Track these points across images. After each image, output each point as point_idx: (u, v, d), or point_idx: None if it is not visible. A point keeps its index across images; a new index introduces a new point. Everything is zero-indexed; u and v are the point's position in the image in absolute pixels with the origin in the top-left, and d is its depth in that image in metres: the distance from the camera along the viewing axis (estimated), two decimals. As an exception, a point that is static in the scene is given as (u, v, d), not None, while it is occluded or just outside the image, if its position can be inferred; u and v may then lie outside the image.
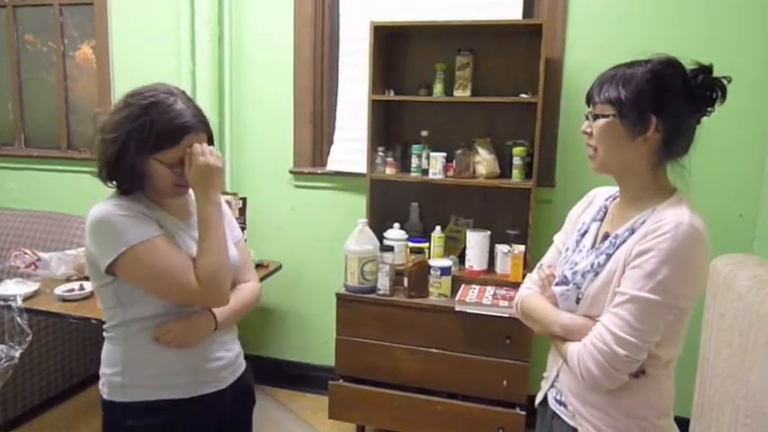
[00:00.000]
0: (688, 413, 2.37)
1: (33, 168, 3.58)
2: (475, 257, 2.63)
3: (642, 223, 1.21)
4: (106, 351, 1.43)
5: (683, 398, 2.43)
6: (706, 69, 1.20)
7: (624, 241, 1.22)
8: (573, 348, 1.24)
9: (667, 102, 1.18)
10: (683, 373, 2.43)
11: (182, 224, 1.44)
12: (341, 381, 2.63)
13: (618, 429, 1.24)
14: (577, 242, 1.37)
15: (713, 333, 2.21)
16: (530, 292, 1.44)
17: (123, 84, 3.28)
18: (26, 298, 2.34)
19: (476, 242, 2.62)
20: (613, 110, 1.20)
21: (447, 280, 2.54)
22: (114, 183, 1.38)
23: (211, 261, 1.33)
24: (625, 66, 1.23)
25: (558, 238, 1.49)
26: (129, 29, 3.26)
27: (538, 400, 1.47)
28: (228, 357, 1.50)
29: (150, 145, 1.29)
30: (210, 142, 1.40)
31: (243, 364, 1.59)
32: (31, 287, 2.41)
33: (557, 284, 1.35)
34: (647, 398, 1.24)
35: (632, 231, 1.22)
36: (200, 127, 1.35)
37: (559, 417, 1.34)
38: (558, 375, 1.36)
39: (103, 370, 1.42)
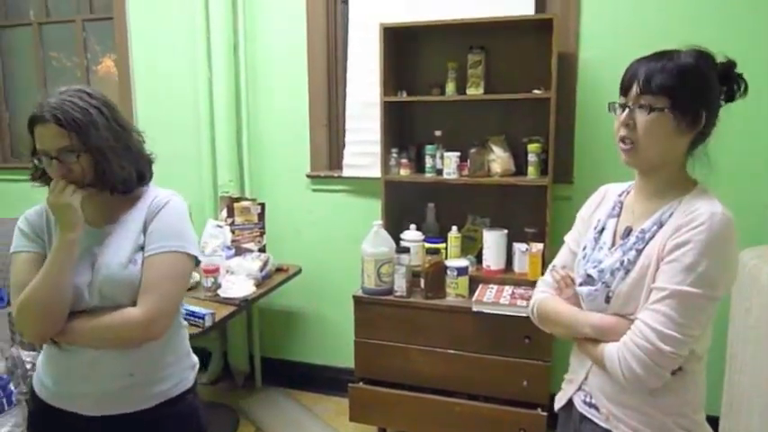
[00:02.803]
0: (717, 412, 2.30)
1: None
2: (492, 257, 2.60)
3: (670, 216, 1.19)
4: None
5: (712, 396, 2.35)
6: (733, 64, 1.20)
7: (653, 236, 1.19)
8: (611, 349, 1.19)
9: (710, 96, 1.19)
10: (711, 371, 2.35)
11: (91, 232, 1.37)
12: (360, 383, 2.64)
13: (655, 428, 1.21)
14: (596, 240, 1.33)
15: (740, 329, 2.15)
16: (546, 296, 1.40)
17: (144, 93, 3.38)
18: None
19: (493, 241, 2.60)
20: (668, 102, 1.15)
21: (464, 280, 2.52)
22: None
23: (25, 295, 1.29)
24: (664, 57, 1.18)
25: (569, 238, 1.46)
26: (148, 41, 3.34)
27: (560, 403, 1.43)
28: (96, 387, 1.35)
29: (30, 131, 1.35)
30: (83, 140, 1.29)
31: (136, 402, 1.38)
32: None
33: (581, 285, 1.31)
34: (684, 394, 1.22)
35: (660, 225, 1.20)
36: (49, 119, 1.27)
37: (590, 420, 1.30)
38: (586, 378, 1.32)
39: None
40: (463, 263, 2.56)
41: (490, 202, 2.80)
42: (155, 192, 1.45)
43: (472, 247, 2.79)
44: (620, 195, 1.36)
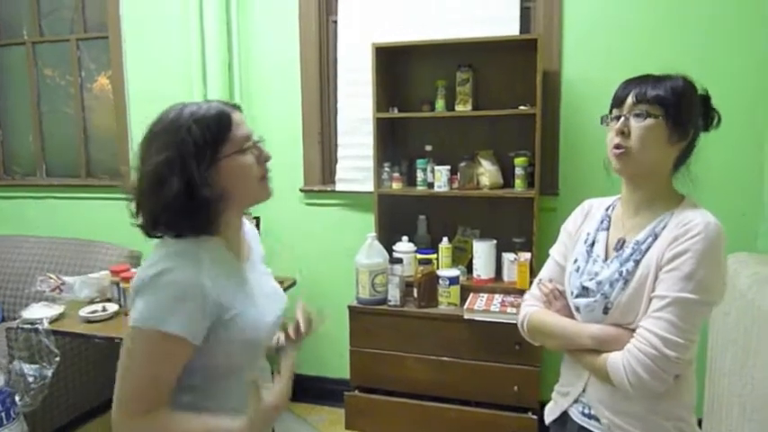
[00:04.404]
0: (700, 413, 2.39)
1: (55, 197, 3.71)
2: (482, 266, 2.69)
3: (664, 227, 1.24)
4: None
5: (696, 398, 2.47)
6: (710, 96, 1.31)
7: (650, 247, 1.24)
8: (615, 358, 1.21)
9: (696, 117, 1.28)
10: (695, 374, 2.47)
11: (248, 267, 1.29)
12: (356, 391, 2.70)
13: None
14: (588, 253, 1.36)
15: (719, 332, 2.24)
16: (536, 309, 1.42)
17: (139, 111, 3.42)
18: (52, 321, 2.45)
19: (482, 251, 2.69)
20: (662, 111, 1.22)
21: (456, 289, 2.60)
22: (178, 228, 1.15)
23: None
24: (656, 78, 1.27)
25: (555, 251, 1.48)
26: (142, 59, 3.39)
27: (553, 416, 1.44)
28: None
29: (210, 141, 1.13)
30: None
31: None
32: (56, 310, 2.51)
33: (577, 296, 1.33)
34: (681, 398, 1.27)
35: (655, 236, 1.24)
36: (231, 106, 1.22)
37: (590, 431, 1.32)
38: (584, 390, 1.34)
39: None
40: (454, 272, 2.64)
41: (479, 213, 2.90)
42: None
43: (463, 257, 2.88)
44: (606, 210, 1.40)
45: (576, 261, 1.38)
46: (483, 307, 2.49)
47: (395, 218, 2.94)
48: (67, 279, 2.71)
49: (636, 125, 1.24)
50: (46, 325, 2.40)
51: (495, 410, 2.50)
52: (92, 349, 3.03)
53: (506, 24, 2.72)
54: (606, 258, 1.32)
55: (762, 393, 1.82)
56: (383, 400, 2.65)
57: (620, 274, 1.26)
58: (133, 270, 2.63)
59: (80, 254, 3.32)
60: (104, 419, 3.12)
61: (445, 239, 2.79)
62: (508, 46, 2.68)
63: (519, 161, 2.64)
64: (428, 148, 2.80)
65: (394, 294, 2.63)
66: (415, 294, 2.62)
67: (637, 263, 1.24)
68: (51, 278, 2.72)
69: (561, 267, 1.44)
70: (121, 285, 2.54)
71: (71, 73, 3.63)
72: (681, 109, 1.23)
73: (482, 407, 2.53)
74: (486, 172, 2.69)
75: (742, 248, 2.41)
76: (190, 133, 1.12)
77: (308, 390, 3.30)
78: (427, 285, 2.61)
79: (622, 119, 1.26)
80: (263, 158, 1.21)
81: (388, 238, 2.82)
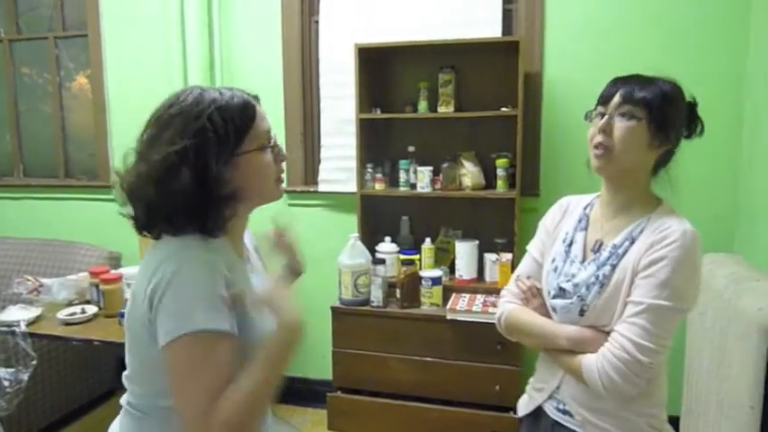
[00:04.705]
0: (678, 411, 2.43)
1: (32, 197, 3.66)
2: (464, 267, 2.71)
3: (641, 232, 1.25)
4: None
5: (673, 397, 2.49)
6: (696, 104, 1.31)
7: (626, 251, 1.25)
8: (589, 360, 1.23)
9: (679, 123, 1.28)
10: (672, 374, 2.49)
11: (249, 269, 1.21)
12: (339, 392, 2.69)
13: (630, 430, 1.28)
14: (566, 253, 1.37)
15: (696, 332, 2.28)
16: (515, 306, 1.43)
17: (119, 110, 3.38)
18: (30, 323, 2.41)
19: (465, 252, 2.70)
20: (646, 113, 1.22)
21: (438, 290, 2.61)
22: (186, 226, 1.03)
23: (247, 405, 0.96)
24: (645, 79, 1.26)
25: (532, 247, 1.49)
26: (122, 58, 3.36)
27: (527, 410, 1.46)
28: None
29: (233, 133, 1.03)
30: None
31: None
32: (33, 312, 2.48)
33: (554, 297, 1.35)
34: (653, 397, 1.29)
35: (632, 240, 1.26)
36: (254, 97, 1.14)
37: (563, 425, 1.34)
38: (558, 387, 1.36)
39: None
40: (437, 273, 2.65)
41: (462, 214, 2.91)
42: None
43: (445, 257, 2.89)
44: (585, 209, 1.41)
45: (554, 260, 1.39)
46: (465, 307, 2.50)
47: (377, 218, 2.95)
48: (45, 281, 2.67)
49: (619, 125, 1.24)
50: (23, 328, 2.36)
51: (477, 410, 2.51)
52: (70, 352, 2.99)
53: (488, 26, 2.74)
54: (584, 260, 1.34)
55: (738, 392, 1.85)
56: (366, 401, 2.65)
57: (597, 277, 1.27)
58: (113, 272, 2.60)
59: (58, 255, 3.27)
60: (83, 423, 3.08)
61: (428, 240, 2.80)
62: (490, 48, 2.70)
63: (500, 162, 2.66)
64: (411, 149, 2.81)
65: (377, 295, 2.63)
66: (398, 295, 2.63)
67: (613, 267, 1.26)
68: (29, 280, 2.68)
69: (539, 264, 1.45)
70: (101, 287, 2.51)
71: (49, 71, 3.58)
72: (666, 114, 1.23)
73: (464, 406, 2.54)
74: (469, 173, 2.70)
75: (718, 249, 2.45)
76: (212, 122, 1.01)
77: (291, 391, 3.29)
78: (410, 286, 2.61)
79: (606, 117, 1.25)
80: (280, 158, 1.13)
81: (370, 239, 2.83)
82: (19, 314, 2.45)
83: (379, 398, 2.64)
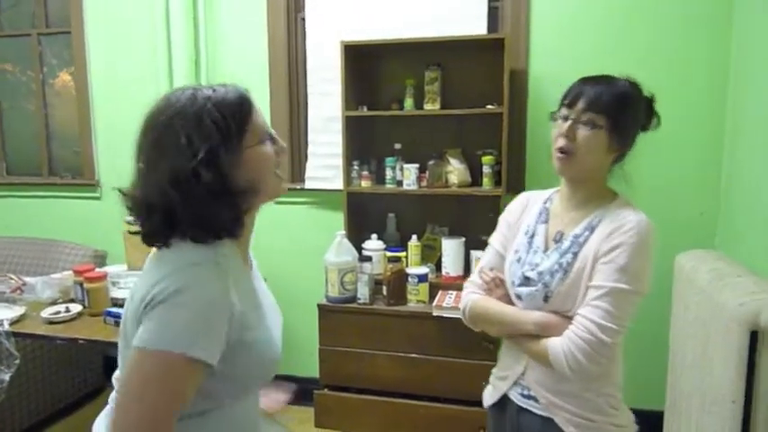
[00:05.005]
0: (662, 405, 2.45)
1: (15, 196, 3.62)
2: (451, 264, 2.71)
3: (599, 222, 1.33)
4: None
5: (657, 391, 2.52)
6: (654, 99, 1.38)
7: (587, 240, 1.33)
8: (555, 343, 1.29)
9: (638, 122, 1.36)
10: (656, 368, 2.53)
11: (252, 274, 1.21)
12: (325, 390, 2.70)
13: (591, 409, 1.34)
14: (529, 244, 1.43)
15: (680, 327, 2.30)
16: (479, 296, 1.47)
17: (103, 107, 3.35)
18: (13, 322, 2.38)
19: (451, 249, 2.71)
20: (607, 122, 1.29)
21: (424, 287, 2.62)
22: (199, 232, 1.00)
23: None
24: (606, 81, 1.33)
25: (494, 240, 1.53)
26: (106, 55, 3.32)
27: (493, 400, 1.50)
28: None
29: (235, 129, 1.00)
30: None
31: None
32: (17, 311, 2.45)
33: (519, 286, 1.40)
34: (610, 375, 1.36)
35: (592, 230, 1.33)
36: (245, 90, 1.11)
37: (528, 411, 1.40)
38: (523, 373, 1.40)
39: None
40: (423, 270, 2.66)
41: (448, 211, 2.92)
42: None
43: (432, 255, 2.89)
44: (544, 203, 1.48)
45: (516, 251, 1.44)
46: (451, 304, 2.51)
47: (364, 216, 2.95)
48: (29, 279, 2.65)
49: (582, 132, 1.30)
50: (6, 327, 2.33)
51: (464, 406, 2.53)
52: (54, 351, 2.97)
53: (474, 23, 2.75)
54: (546, 250, 1.40)
55: (720, 386, 1.87)
56: (353, 398, 2.66)
57: (561, 265, 1.34)
58: (98, 270, 2.58)
59: (42, 254, 3.24)
60: (68, 422, 3.06)
61: (414, 237, 2.81)
62: (476, 45, 2.70)
63: (486, 160, 2.67)
64: (397, 146, 2.81)
65: (363, 292, 2.64)
66: (385, 292, 2.63)
67: (575, 255, 1.33)
68: (12, 279, 2.66)
69: (501, 256, 1.49)
70: (85, 285, 2.48)
71: (32, 68, 3.54)
72: (626, 120, 1.31)
73: (451, 403, 2.55)
74: (455, 170, 2.71)
75: (701, 246, 2.47)
76: (213, 119, 0.98)
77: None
78: (396, 283, 2.62)
79: (570, 122, 1.32)
80: (280, 150, 1.10)
81: (357, 237, 2.83)
82: (2, 313, 2.42)
83: (365, 395, 2.65)
